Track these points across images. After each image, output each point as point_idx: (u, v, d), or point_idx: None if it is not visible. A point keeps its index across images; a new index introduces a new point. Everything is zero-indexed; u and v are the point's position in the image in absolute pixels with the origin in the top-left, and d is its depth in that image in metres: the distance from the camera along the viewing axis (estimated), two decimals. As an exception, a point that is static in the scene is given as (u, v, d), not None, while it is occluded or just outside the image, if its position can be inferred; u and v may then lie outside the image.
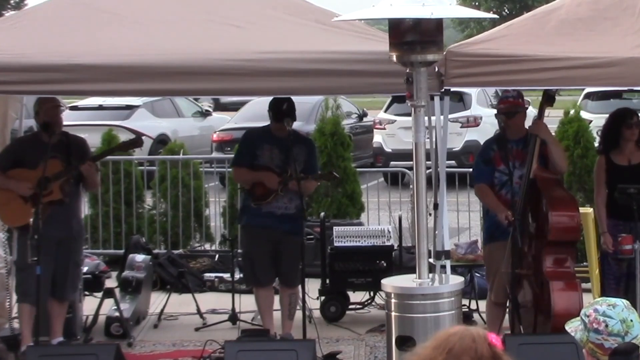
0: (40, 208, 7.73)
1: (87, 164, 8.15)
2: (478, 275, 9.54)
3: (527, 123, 8.06)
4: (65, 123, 8.49)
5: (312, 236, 10.10)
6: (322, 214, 10.30)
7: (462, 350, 3.02)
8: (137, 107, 19.41)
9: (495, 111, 8.21)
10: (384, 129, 18.87)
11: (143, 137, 10.54)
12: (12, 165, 8.00)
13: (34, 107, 8.21)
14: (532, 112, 8.44)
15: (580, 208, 8.20)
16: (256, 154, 8.28)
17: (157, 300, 9.79)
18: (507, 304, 7.89)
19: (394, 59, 6.01)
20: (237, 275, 9.58)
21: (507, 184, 7.80)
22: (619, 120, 8.01)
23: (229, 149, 16.74)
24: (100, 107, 19.19)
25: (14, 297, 8.50)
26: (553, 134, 11.31)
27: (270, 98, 8.30)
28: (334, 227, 9.84)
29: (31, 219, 7.63)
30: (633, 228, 7.63)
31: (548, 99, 7.72)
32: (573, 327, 3.77)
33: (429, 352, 3.06)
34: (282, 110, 8.14)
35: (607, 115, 8.31)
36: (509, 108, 7.88)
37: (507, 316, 8.01)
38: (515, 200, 7.59)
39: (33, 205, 7.78)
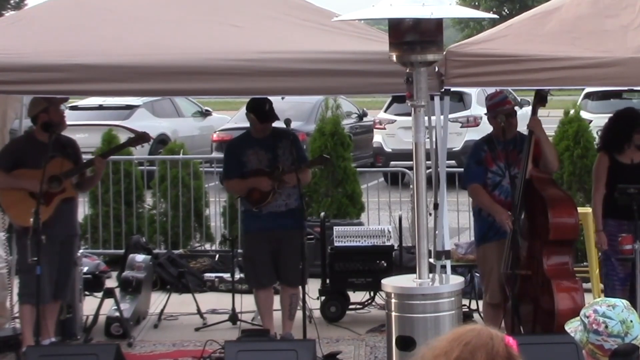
0: (52, 206, 7.73)
1: (100, 159, 8.17)
2: (478, 275, 9.53)
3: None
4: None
5: (312, 236, 10.10)
6: (322, 214, 10.29)
7: (478, 346, 3.01)
8: (137, 107, 19.42)
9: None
10: (384, 129, 18.87)
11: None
12: (12, 166, 7.95)
13: (31, 105, 8.08)
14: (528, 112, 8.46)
15: (580, 208, 8.20)
16: (243, 162, 8.27)
17: (157, 300, 9.78)
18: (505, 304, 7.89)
19: (394, 59, 6.01)
20: (237, 275, 9.57)
21: (500, 184, 7.80)
22: (630, 123, 7.93)
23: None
24: (100, 107, 19.20)
25: (15, 297, 8.49)
26: (553, 133, 11.39)
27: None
28: (334, 227, 9.84)
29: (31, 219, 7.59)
30: (632, 228, 7.62)
31: (540, 99, 7.72)
32: (572, 327, 3.76)
33: (445, 345, 3.04)
34: (265, 111, 8.16)
35: (611, 114, 8.28)
36: (512, 108, 7.92)
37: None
38: (515, 201, 7.58)
39: (47, 204, 7.75)
